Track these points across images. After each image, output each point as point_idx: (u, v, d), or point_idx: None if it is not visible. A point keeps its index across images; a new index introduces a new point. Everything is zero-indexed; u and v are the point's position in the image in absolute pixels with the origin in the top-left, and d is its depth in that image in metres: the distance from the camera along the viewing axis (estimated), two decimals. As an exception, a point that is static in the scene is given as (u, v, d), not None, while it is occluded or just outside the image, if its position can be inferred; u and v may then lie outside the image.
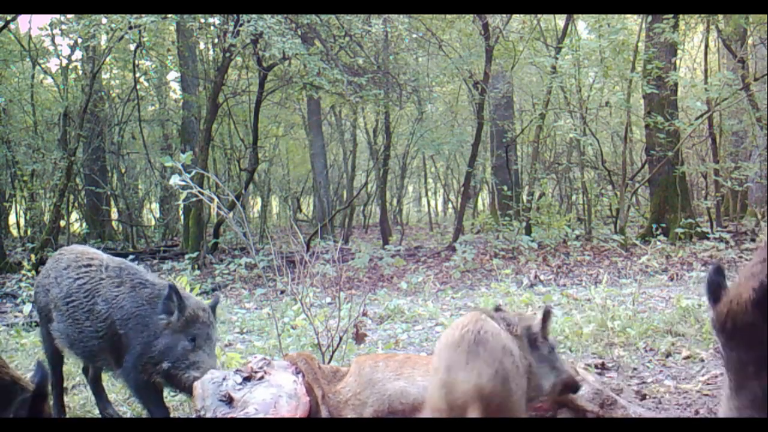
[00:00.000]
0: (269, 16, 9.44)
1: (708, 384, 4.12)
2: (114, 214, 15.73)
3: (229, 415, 2.94)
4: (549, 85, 11.38)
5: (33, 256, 9.91)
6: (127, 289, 3.70)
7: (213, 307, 3.71)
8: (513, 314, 2.84)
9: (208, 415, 2.99)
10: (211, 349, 3.54)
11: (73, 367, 4.69)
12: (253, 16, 9.40)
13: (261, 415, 2.90)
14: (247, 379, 3.06)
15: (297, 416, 3.01)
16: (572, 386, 2.84)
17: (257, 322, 6.69)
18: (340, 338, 4.36)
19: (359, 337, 4.77)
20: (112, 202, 15.42)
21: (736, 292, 2.52)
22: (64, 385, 4.30)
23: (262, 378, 3.07)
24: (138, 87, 13.84)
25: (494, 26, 11.91)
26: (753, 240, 10.65)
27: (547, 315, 2.76)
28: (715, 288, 2.59)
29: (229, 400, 2.98)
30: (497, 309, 2.86)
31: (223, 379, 3.08)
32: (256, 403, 2.94)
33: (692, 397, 3.93)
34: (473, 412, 2.35)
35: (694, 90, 12.80)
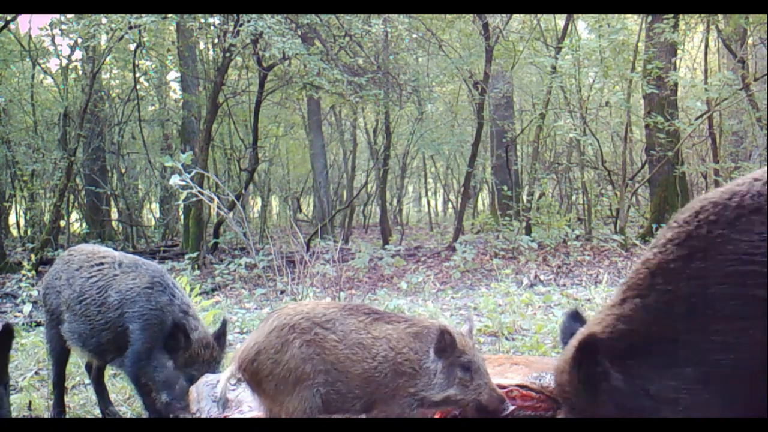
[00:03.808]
0: (269, 16, 9.44)
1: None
2: (114, 214, 15.73)
3: (223, 415, 2.94)
4: (549, 85, 11.38)
5: (33, 256, 9.91)
6: (143, 284, 3.66)
7: (219, 338, 3.59)
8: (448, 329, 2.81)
9: (203, 417, 2.99)
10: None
11: (73, 367, 4.69)
12: (253, 16, 9.41)
13: (255, 413, 2.91)
14: (241, 379, 3.06)
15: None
16: (486, 410, 2.76)
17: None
18: (340, 338, 4.35)
19: (359, 337, 4.77)
20: (112, 202, 15.42)
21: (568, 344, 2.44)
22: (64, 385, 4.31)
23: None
24: (138, 87, 13.84)
25: (494, 26, 11.91)
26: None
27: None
28: (568, 337, 2.49)
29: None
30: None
31: (218, 381, 3.08)
32: (249, 401, 2.94)
33: (692, 397, 3.92)
34: (240, 374, 2.73)
35: (694, 90, 12.80)
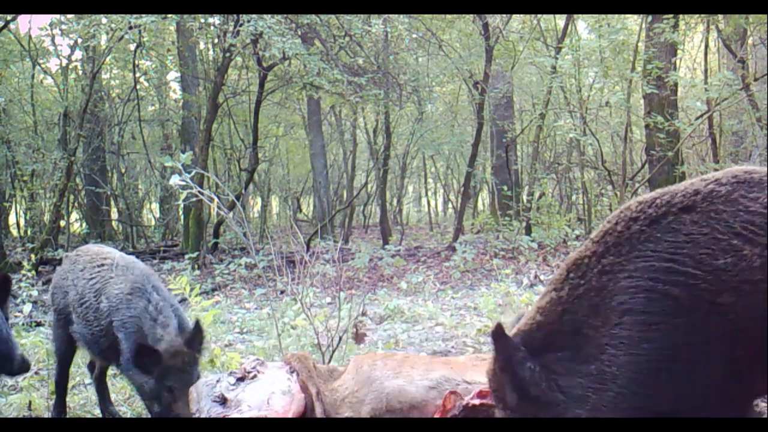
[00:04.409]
0: (269, 16, 9.43)
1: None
2: (114, 214, 15.73)
3: (222, 415, 2.94)
4: (549, 85, 11.37)
5: (33, 256, 9.90)
6: (127, 289, 3.60)
7: (192, 341, 3.38)
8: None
9: (203, 416, 2.99)
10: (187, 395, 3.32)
11: (73, 367, 4.69)
12: (253, 16, 9.40)
13: (254, 412, 2.91)
14: (240, 379, 3.06)
15: (291, 412, 3.02)
16: None
17: (257, 322, 6.70)
18: (340, 338, 4.37)
19: (359, 337, 4.79)
20: (112, 202, 15.42)
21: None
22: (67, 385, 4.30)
23: (255, 377, 3.08)
24: (138, 87, 13.83)
25: (494, 26, 11.91)
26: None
27: None
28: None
29: (222, 401, 2.98)
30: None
31: (217, 381, 3.08)
32: (249, 401, 2.94)
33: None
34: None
35: (694, 90, 12.79)
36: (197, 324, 3.45)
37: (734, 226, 2.14)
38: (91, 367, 4.25)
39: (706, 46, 13.21)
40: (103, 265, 3.84)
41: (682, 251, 2.15)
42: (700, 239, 2.15)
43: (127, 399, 4.46)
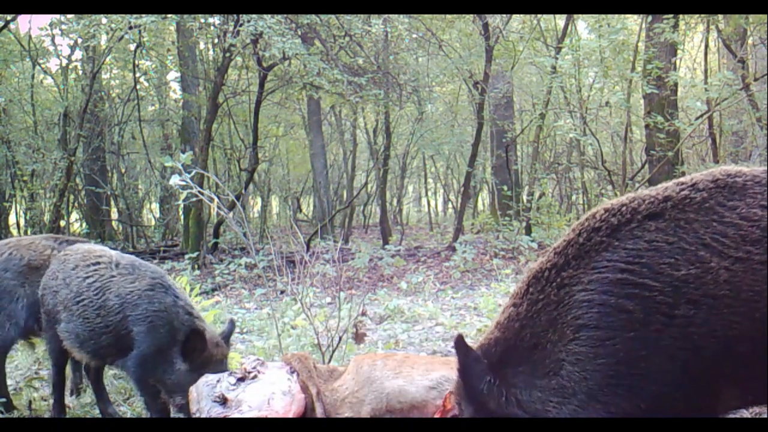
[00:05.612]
0: (269, 16, 9.43)
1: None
2: (114, 214, 15.72)
3: (222, 415, 2.94)
4: (549, 85, 11.37)
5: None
6: (143, 286, 3.66)
7: (227, 337, 3.73)
8: None
9: (203, 417, 2.99)
10: None
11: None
12: (253, 16, 9.40)
13: (255, 412, 2.91)
14: (241, 379, 3.06)
15: (291, 412, 3.02)
16: None
17: (257, 322, 6.70)
18: (340, 338, 4.37)
19: (359, 337, 4.79)
20: (112, 202, 15.42)
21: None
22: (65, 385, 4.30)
23: (255, 377, 3.08)
24: (138, 87, 13.83)
25: (494, 26, 11.91)
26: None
27: None
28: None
29: (223, 401, 2.98)
30: None
31: (217, 381, 3.08)
32: (249, 401, 2.94)
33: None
34: None
35: (694, 90, 12.79)
36: (232, 324, 3.85)
37: (704, 236, 2.02)
38: (87, 368, 4.25)
39: (706, 46, 13.22)
40: (98, 263, 3.84)
41: (640, 260, 2.04)
42: (663, 248, 2.03)
43: (127, 399, 4.46)
